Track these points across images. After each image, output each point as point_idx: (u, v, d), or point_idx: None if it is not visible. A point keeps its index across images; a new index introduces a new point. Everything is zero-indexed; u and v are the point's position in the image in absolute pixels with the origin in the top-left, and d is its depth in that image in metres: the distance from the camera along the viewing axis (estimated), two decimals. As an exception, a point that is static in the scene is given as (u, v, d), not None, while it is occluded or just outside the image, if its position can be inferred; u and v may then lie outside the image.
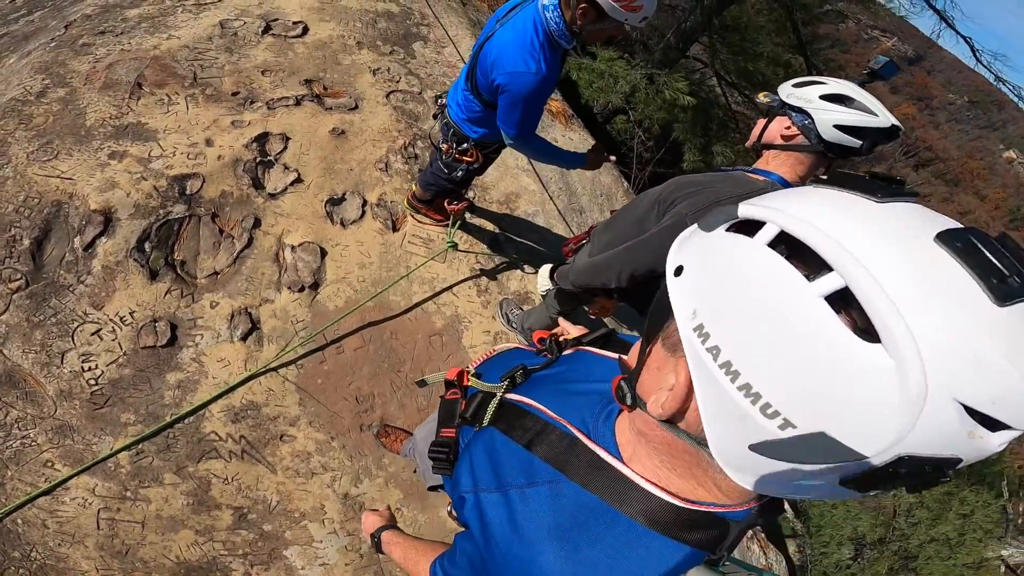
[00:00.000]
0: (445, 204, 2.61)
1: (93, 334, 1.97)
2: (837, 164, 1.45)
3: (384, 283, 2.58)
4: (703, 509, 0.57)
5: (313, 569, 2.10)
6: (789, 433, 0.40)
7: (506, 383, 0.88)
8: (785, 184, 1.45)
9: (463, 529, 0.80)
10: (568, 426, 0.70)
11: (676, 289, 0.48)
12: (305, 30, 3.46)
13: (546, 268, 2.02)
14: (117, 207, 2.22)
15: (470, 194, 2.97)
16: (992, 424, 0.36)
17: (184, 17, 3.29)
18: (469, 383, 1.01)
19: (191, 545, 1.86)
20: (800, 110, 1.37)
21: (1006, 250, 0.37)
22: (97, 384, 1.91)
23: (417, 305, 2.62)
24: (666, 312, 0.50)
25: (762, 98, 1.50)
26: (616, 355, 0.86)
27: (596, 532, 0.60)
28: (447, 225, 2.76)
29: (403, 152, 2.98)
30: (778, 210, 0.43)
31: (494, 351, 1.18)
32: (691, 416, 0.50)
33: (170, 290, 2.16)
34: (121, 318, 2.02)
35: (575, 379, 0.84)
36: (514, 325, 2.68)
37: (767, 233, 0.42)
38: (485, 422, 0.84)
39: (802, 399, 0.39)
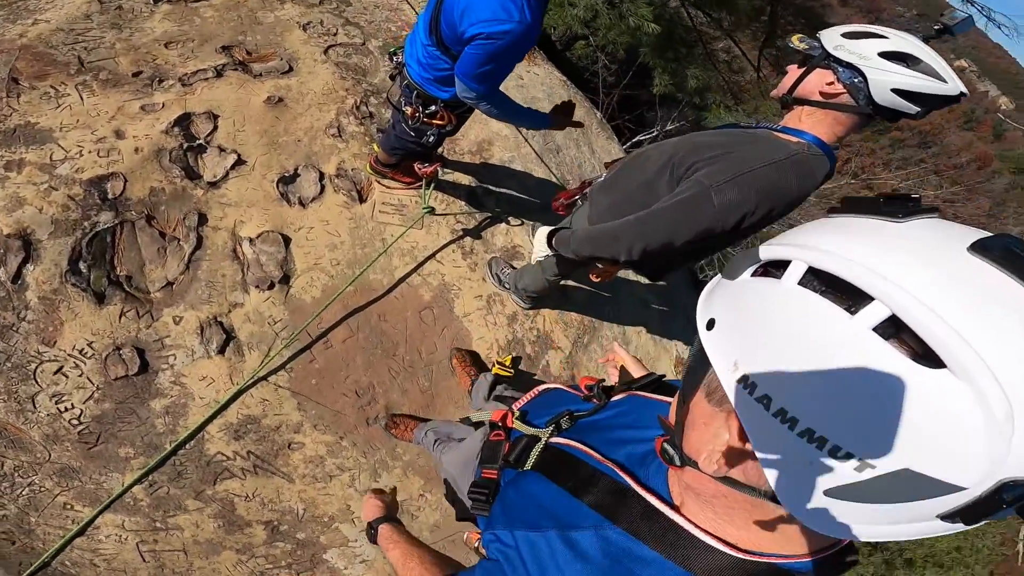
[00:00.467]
0: (416, 167, 2.42)
1: (56, 373, 1.76)
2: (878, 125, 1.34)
3: (361, 262, 2.42)
4: (767, 561, 0.53)
5: (355, 567, 2.09)
6: (869, 475, 0.38)
7: (551, 428, 0.88)
8: (821, 145, 1.30)
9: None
10: (619, 471, 0.68)
11: (712, 343, 0.46)
12: (207, -12, 3.04)
13: (543, 233, 1.88)
14: (32, 226, 1.93)
15: (440, 149, 2.78)
16: None
17: (48, -3, 2.82)
18: (514, 425, 1.01)
19: (236, 564, 1.82)
20: (850, 66, 1.19)
21: None
22: (80, 423, 1.75)
23: (401, 280, 2.49)
24: (704, 365, 0.49)
25: (796, 43, 1.30)
26: (670, 399, 0.83)
27: None
28: (419, 188, 2.59)
29: (355, 112, 2.72)
30: (801, 247, 0.43)
31: (538, 391, 1.16)
32: (751, 469, 0.48)
33: (123, 312, 1.92)
34: (80, 351, 1.80)
35: (626, 425, 0.82)
36: (507, 286, 2.60)
37: (796, 272, 0.42)
38: (528, 466, 0.83)
39: (875, 437, 0.37)
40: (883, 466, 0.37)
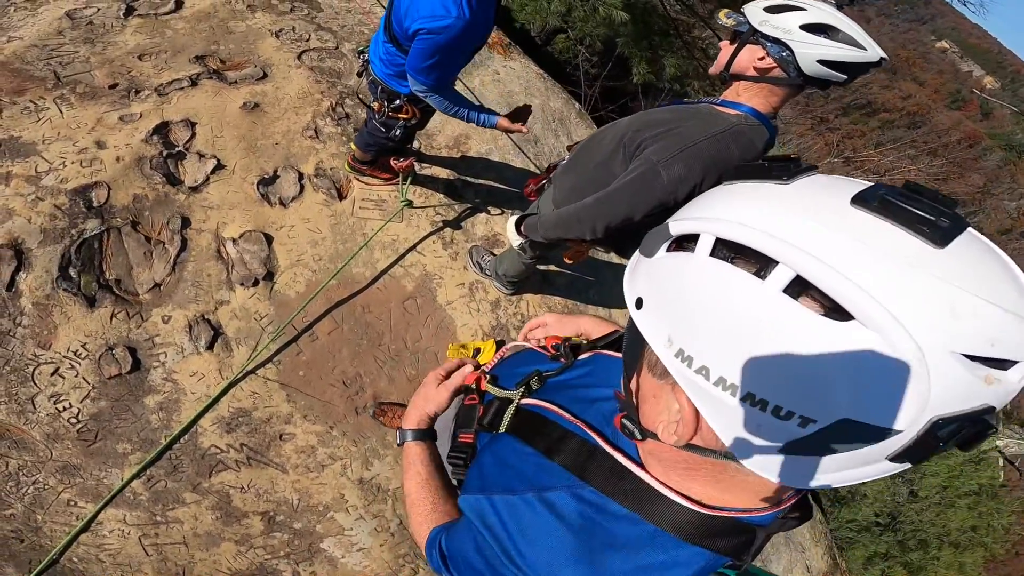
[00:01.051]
0: (391, 162, 2.57)
1: (53, 374, 1.89)
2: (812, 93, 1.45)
3: (342, 257, 2.55)
4: (729, 515, 0.58)
5: (352, 555, 2.20)
6: (812, 429, 0.41)
7: (522, 390, 0.90)
8: (759, 116, 1.41)
9: None
10: (589, 431, 0.72)
11: (643, 321, 0.49)
12: (179, 3, 3.18)
13: (512, 221, 1.98)
14: (22, 236, 2.06)
15: (415, 144, 2.93)
16: (1001, 364, 0.38)
17: (19, 16, 2.96)
18: (486, 388, 1.03)
19: (236, 556, 1.92)
20: (777, 41, 1.27)
21: (920, 195, 0.41)
22: (79, 421, 1.88)
23: (383, 273, 2.62)
24: (641, 342, 0.52)
25: (724, 20, 1.38)
26: None
27: (618, 539, 0.62)
28: (398, 183, 2.73)
29: (331, 114, 2.87)
30: (707, 219, 0.46)
31: (507, 351, 1.21)
32: (707, 433, 0.50)
33: (114, 314, 2.06)
34: (75, 352, 1.93)
35: (594, 384, 0.85)
36: (487, 273, 2.74)
37: (705, 244, 0.45)
38: (502, 429, 0.86)
39: (808, 394, 0.40)
40: (822, 420, 0.40)
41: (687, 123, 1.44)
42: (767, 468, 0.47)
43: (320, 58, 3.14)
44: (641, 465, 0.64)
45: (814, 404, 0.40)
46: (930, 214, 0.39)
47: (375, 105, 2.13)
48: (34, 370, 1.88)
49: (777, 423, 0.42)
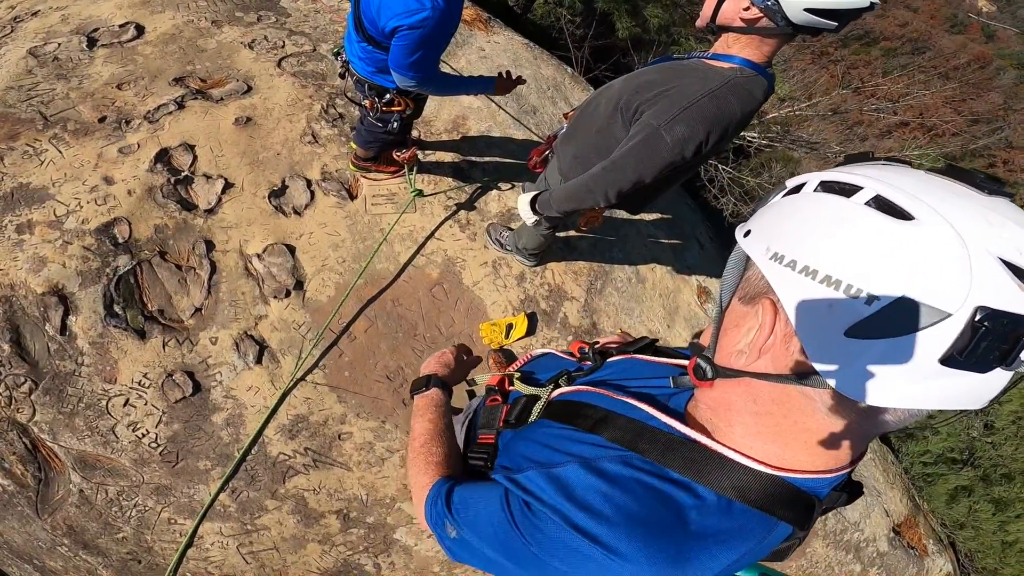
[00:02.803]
0: (393, 155, 2.81)
1: (125, 405, 2.18)
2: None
3: (364, 255, 2.82)
4: (791, 478, 0.66)
5: (424, 542, 2.51)
6: (876, 307, 0.53)
7: (551, 387, 0.97)
8: (754, 67, 1.51)
9: None
10: (636, 403, 0.78)
11: (749, 244, 0.65)
12: (140, 29, 3.40)
13: (525, 200, 2.10)
14: (61, 282, 2.32)
15: (415, 133, 3.16)
16: None
17: (-20, 60, 3.18)
18: (514, 387, 1.09)
19: (321, 555, 2.23)
20: None
21: (975, 170, 0.59)
22: (159, 444, 2.18)
23: (407, 264, 2.89)
24: (737, 273, 0.68)
25: None
26: (667, 360, 0.95)
27: (680, 506, 0.66)
28: (404, 175, 2.98)
29: (324, 116, 3.11)
30: (818, 173, 0.64)
31: (531, 355, 1.30)
32: (779, 353, 0.62)
33: (165, 343, 2.33)
34: (139, 383, 2.21)
35: (630, 377, 0.91)
36: (508, 248, 2.99)
37: (811, 184, 0.63)
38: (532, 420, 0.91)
39: (877, 273, 0.53)
40: (885, 296, 0.52)
41: (682, 81, 1.55)
42: (830, 363, 0.57)
43: (300, 63, 3.36)
44: (704, 431, 0.71)
45: (879, 282, 0.53)
46: (982, 176, 0.57)
47: (367, 103, 2.29)
48: (107, 403, 2.16)
49: (846, 301, 0.54)
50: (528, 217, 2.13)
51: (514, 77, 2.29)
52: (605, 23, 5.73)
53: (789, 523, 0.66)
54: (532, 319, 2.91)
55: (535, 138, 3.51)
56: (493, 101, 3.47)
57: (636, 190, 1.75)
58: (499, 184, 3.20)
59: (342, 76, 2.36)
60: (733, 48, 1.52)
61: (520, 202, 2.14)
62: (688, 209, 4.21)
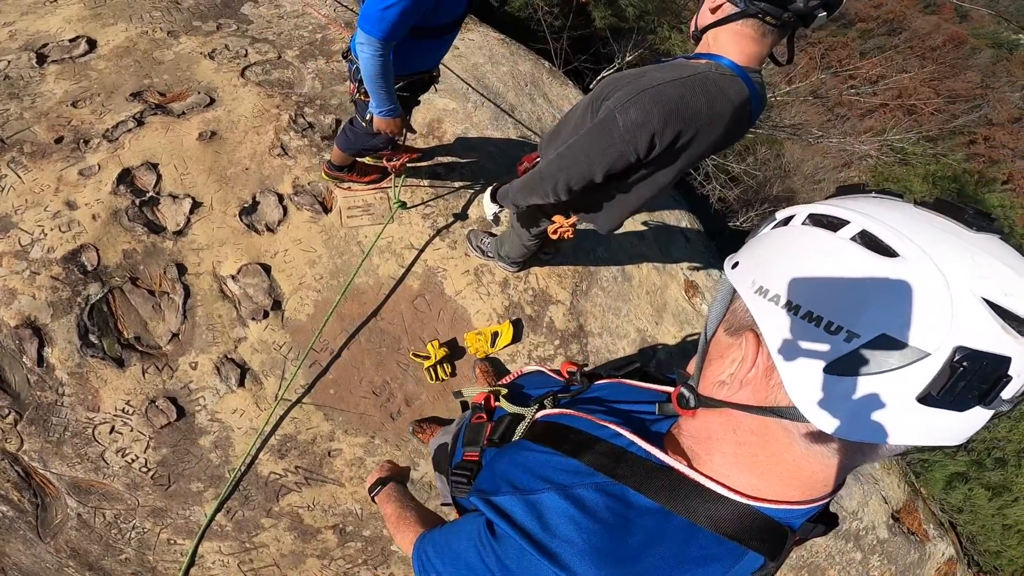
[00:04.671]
0: (384, 162, 2.95)
1: (111, 432, 2.33)
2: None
3: (342, 271, 2.98)
4: (765, 508, 0.71)
5: (421, 554, 2.69)
6: (855, 344, 0.57)
7: (536, 407, 1.04)
8: (733, 67, 1.59)
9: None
10: (618, 429, 0.84)
11: (735, 276, 0.70)
12: (92, 43, 3.52)
13: (487, 192, 2.25)
14: (33, 313, 2.45)
15: (399, 139, 3.29)
16: (1017, 322, 0.53)
17: (-73, 81, 3.28)
18: (498, 405, 1.19)
19: (321, 569, 2.40)
20: None
21: (965, 205, 0.62)
22: (149, 469, 2.34)
23: (398, 283, 3.06)
24: (722, 303, 0.75)
25: None
26: (653, 386, 1.03)
27: (651, 534, 0.72)
28: (380, 185, 3.15)
29: (293, 127, 3.27)
30: (811, 204, 0.68)
31: (519, 372, 1.44)
32: (760, 385, 0.67)
33: (145, 370, 2.47)
34: (122, 410, 2.36)
35: (616, 400, 1.00)
36: (490, 255, 3.18)
37: (799, 217, 0.68)
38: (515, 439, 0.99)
39: (857, 310, 0.57)
40: (865, 334, 0.56)
41: (652, 73, 1.63)
42: (811, 399, 0.61)
43: (265, 71, 3.52)
44: (683, 459, 0.77)
45: (859, 319, 0.57)
46: (972, 215, 0.60)
47: (350, 87, 2.39)
48: (93, 431, 2.32)
49: (827, 338, 0.59)
50: (487, 207, 2.25)
51: (410, 129, 2.49)
52: (583, 13, 5.99)
53: (760, 553, 0.72)
54: (518, 326, 3.11)
55: (514, 138, 3.71)
56: (468, 104, 3.67)
57: (585, 188, 1.81)
58: (478, 188, 3.39)
59: (344, 55, 2.43)
60: (712, 46, 1.62)
61: (484, 196, 2.28)
62: (672, 201, 4.47)
